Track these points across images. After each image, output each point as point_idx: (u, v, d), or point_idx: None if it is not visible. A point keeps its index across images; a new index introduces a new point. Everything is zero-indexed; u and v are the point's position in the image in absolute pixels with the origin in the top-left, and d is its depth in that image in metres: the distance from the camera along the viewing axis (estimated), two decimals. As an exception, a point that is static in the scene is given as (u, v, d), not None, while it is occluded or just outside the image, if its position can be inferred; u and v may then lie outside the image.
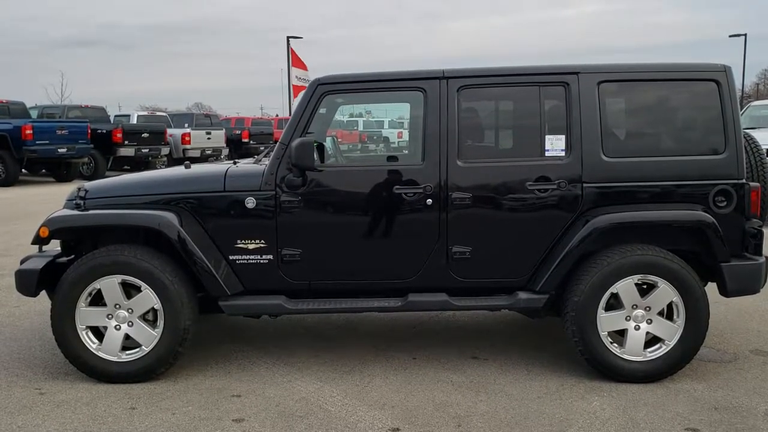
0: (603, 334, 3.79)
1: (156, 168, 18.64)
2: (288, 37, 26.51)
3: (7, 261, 7.20)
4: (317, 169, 3.87)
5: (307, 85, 3.96)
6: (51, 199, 12.18)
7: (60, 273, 3.88)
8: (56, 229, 3.89)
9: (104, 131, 18.67)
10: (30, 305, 5.41)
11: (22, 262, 4.12)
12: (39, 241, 3.95)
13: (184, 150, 21.12)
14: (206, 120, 23.82)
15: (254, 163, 4.34)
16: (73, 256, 4.14)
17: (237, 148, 23.57)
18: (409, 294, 3.93)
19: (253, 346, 4.54)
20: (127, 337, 3.86)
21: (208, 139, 22.06)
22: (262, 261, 3.92)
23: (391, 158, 4.73)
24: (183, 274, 3.86)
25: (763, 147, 4.27)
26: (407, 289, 3.96)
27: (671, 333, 3.80)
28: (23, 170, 17.24)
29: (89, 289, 3.81)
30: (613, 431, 3.26)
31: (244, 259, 3.92)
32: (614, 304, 3.82)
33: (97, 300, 3.86)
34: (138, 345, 3.86)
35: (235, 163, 4.36)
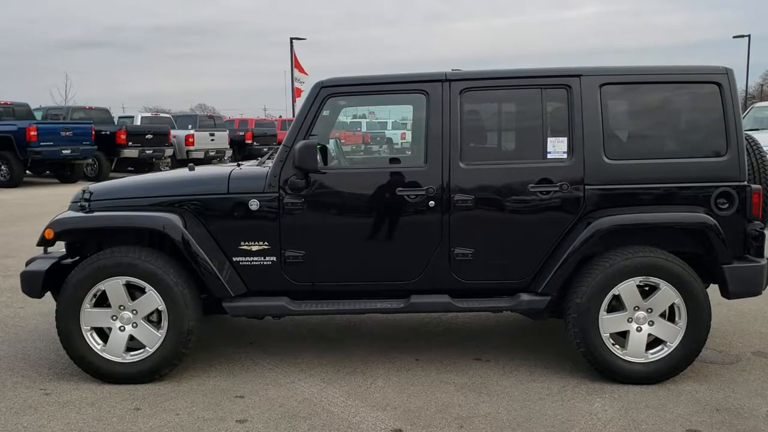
0: (605, 335, 3.80)
1: (159, 169, 18.74)
2: (291, 39, 26.55)
3: (11, 262, 7.24)
4: (320, 171, 3.89)
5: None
6: (55, 201, 12.23)
7: (65, 274, 3.90)
8: (62, 230, 3.92)
9: (108, 132, 18.73)
10: (35, 306, 5.43)
11: (27, 263, 4.15)
12: (44, 242, 3.97)
13: (187, 151, 21.16)
14: (210, 121, 23.85)
15: (258, 165, 4.36)
16: (77, 258, 4.17)
17: (240, 149, 23.60)
18: (411, 295, 3.95)
19: (256, 347, 4.56)
20: (131, 338, 3.88)
21: (212, 140, 22.09)
22: (265, 262, 3.94)
23: (394, 160, 4.75)
24: (187, 275, 3.88)
25: (765, 149, 4.28)
26: (410, 291, 3.97)
27: (673, 335, 3.81)
28: (27, 171, 17.31)
29: (94, 290, 3.83)
30: (615, 432, 3.27)
31: (248, 261, 3.94)
32: (616, 305, 3.83)
33: (102, 301, 3.88)
34: (142, 346, 3.88)
35: (238, 165, 4.39)
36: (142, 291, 3.84)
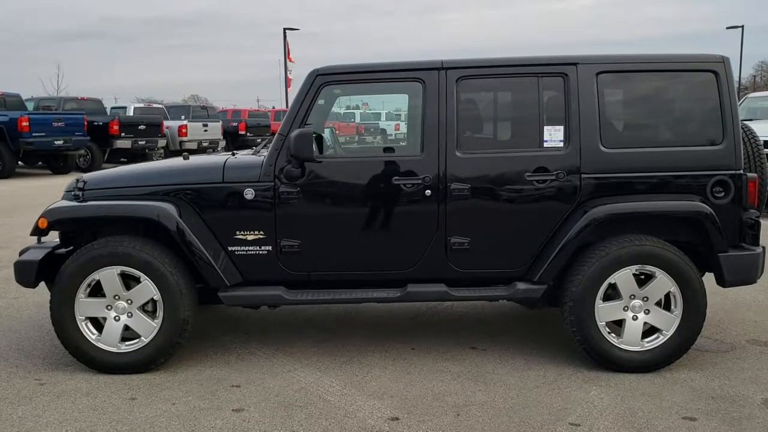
0: (601, 324, 3.81)
1: (153, 160, 18.63)
2: (285, 29, 26.40)
3: (5, 253, 7.20)
4: (316, 160, 3.87)
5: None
6: (48, 192, 12.15)
7: (59, 264, 3.88)
8: (55, 220, 3.89)
9: (101, 123, 18.59)
10: (29, 296, 5.41)
11: (21, 253, 4.12)
12: (38, 232, 3.95)
13: (180, 142, 21.05)
14: (203, 112, 23.72)
15: (253, 154, 4.33)
16: (71, 248, 4.14)
17: (234, 140, 23.50)
18: (408, 285, 3.94)
19: (252, 336, 4.55)
20: (126, 328, 3.86)
21: (205, 131, 21.98)
22: (261, 252, 3.92)
23: (389, 150, 4.73)
24: (182, 265, 3.86)
25: (761, 138, 4.28)
26: (406, 280, 3.96)
27: (669, 323, 3.82)
28: (20, 162, 17.18)
29: (88, 280, 3.81)
30: (611, 420, 3.28)
31: (243, 250, 3.92)
32: (612, 294, 3.84)
33: (96, 291, 3.86)
34: (137, 336, 3.86)
35: (233, 154, 4.36)
36: (137, 280, 3.82)
